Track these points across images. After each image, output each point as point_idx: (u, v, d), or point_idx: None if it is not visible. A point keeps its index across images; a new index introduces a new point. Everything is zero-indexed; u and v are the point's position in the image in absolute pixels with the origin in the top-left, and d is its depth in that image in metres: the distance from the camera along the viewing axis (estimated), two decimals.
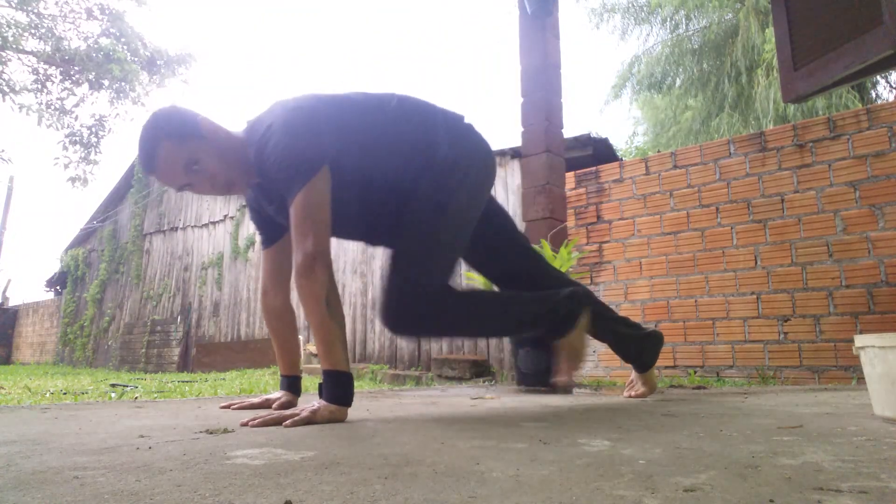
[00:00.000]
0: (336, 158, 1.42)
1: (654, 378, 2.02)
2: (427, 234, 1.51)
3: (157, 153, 1.40)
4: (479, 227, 1.66)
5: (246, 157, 1.49)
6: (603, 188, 4.20)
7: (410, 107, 1.59)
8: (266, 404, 1.64)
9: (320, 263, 1.36)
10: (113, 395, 2.89)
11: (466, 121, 1.66)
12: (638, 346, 1.93)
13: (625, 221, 4.06)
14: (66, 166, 9.11)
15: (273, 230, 1.67)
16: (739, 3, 9.14)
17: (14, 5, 8.26)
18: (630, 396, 2.02)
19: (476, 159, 1.62)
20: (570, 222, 4.23)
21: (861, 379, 2.94)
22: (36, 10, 8.65)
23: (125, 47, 8.88)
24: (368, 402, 1.97)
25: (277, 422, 1.27)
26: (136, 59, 9.05)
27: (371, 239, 1.72)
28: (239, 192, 1.57)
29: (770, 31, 7.94)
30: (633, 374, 2.04)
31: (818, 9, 2.51)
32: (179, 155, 1.41)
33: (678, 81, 10.30)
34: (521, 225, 3.69)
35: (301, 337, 6.38)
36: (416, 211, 1.51)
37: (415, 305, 1.46)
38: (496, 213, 1.79)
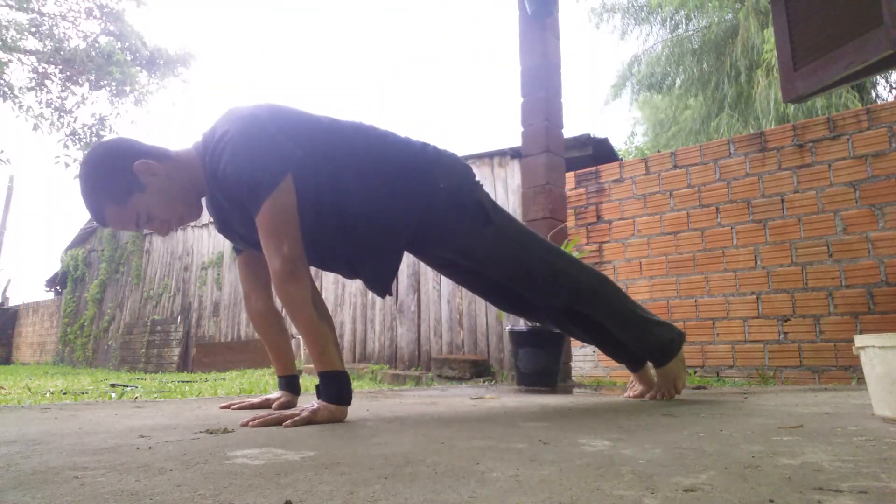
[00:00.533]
0: (298, 167, 1.36)
1: (651, 377, 2.03)
2: (517, 247, 1.65)
3: (104, 216, 1.38)
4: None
5: (199, 178, 1.44)
6: (603, 188, 4.20)
7: (378, 133, 1.55)
8: (266, 404, 1.64)
9: (301, 266, 1.33)
10: (113, 395, 2.89)
11: (432, 147, 1.62)
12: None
13: (625, 221, 4.06)
14: (68, 165, 9.10)
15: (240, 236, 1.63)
16: (739, 3, 9.13)
17: (13, 5, 8.25)
18: (630, 396, 2.02)
19: (468, 177, 1.63)
20: (570, 222, 4.23)
21: (861, 379, 2.94)
22: (36, 10, 8.65)
23: (125, 48, 8.88)
24: (368, 402, 1.97)
25: (278, 422, 1.27)
26: (135, 58, 9.05)
27: (328, 264, 1.61)
28: (197, 218, 1.52)
29: (769, 32, 7.94)
30: (632, 375, 2.06)
31: (818, 9, 2.51)
32: (126, 212, 1.38)
33: (678, 81, 10.30)
34: None
35: (300, 337, 6.39)
36: (491, 248, 1.61)
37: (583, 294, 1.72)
38: None
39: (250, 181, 1.32)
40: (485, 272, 1.73)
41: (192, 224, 9.72)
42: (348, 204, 1.45)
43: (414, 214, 1.50)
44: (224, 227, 1.61)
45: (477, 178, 1.67)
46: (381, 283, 1.53)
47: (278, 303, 1.66)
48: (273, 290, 1.38)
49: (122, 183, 1.35)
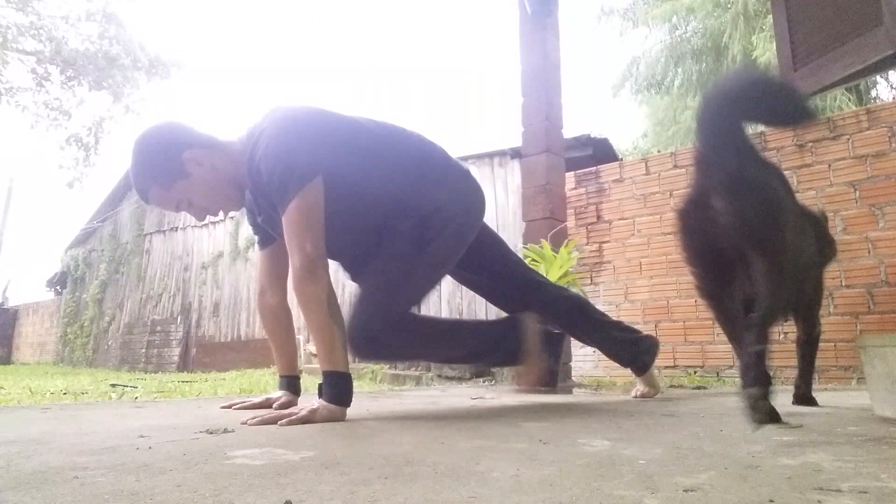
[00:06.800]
0: (329, 171, 1.41)
1: (655, 378, 2.03)
2: (403, 268, 1.52)
3: (148, 194, 1.46)
4: (473, 252, 1.68)
5: (241, 171, 1.49)
6: (603, 188, 4.20)
7: (407, 138, 1.60)
8: (267, 404, 1.64)
9: (321, 266, 1.37)
10: (113, 395, 2.89)
11: (464, 168, 1.67)
12: (631, 350, 1.96)
13: (625, 221, 4.06)
14: (61, 167, 9.12)
15: (269, 231, 1.67)
16: (733, 6, 9.12)
17: (13, 5, 8.26)
18: (635, 396, 2.02)
19: (469, 204, 1.63)
20: (570, 222, 4.22)
21: (861, 379, 2.94)
22: (36, 12, 8.65)
23: (126, 54, 8.89)
24: (368, 402, 1.96)
25: (275, 420, 1.27)
26: (135, 63, 9.07)
27: (351, 265, 1.67)
28: (237, 209, 1.59)
29: (760, 36, 7.98)
30: (635, 377, 2.06)
31: (818, 9, 2.51)
32: (169, 196, 1.46)
33: (677, 82, 10.30)
34: (521, 225, 3.70)
35: (300, 337, 6.38)
36: (398, 245, 1.52)
37: (379, 331, 1.47)
38: (487, 239, 1.80)
39: (281, 179, 1.37)
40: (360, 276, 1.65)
41: (192, 224, 9.72)
42: (373, 209, 1.51)
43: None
44: (264, 219, 1.63)
45: (476, 229, 1.67)
46: None
47: (291, 301, 1.68)
48: (292, 286, 1.40)
49: (169, 169, 1.43)
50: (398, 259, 1.52)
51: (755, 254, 1.18)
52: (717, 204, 1.20)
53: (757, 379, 1.09)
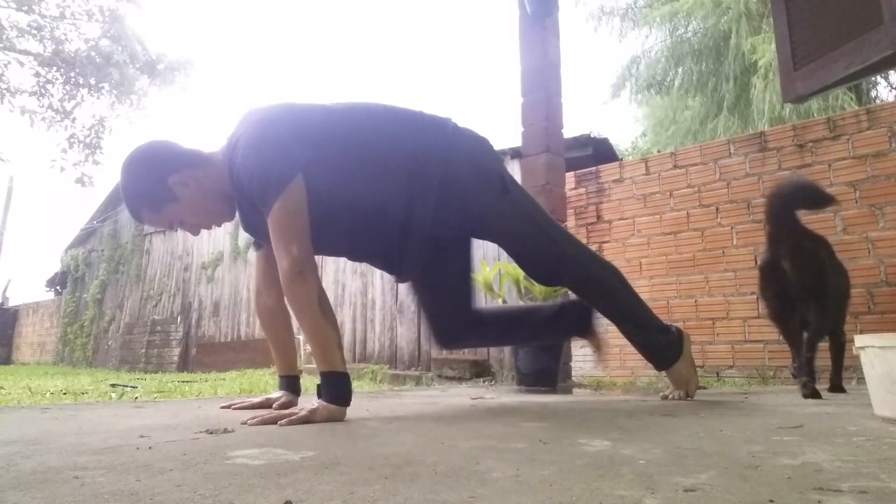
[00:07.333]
0: (308, 167, 1.40)
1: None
2: (529, 223, 1.67)
3: (140, 216, 1.50)
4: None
5: (227, 182, 1.49)
6: (603, 188, 4.20)
7: (397, 114, 1.59)
8: (267, 404, 1.64)
9: (309, 267, 1.37)
10: (113, 395, 2.89)
11: (452, 123, 1.64)
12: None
13: (625, 221, 4.06)
14: (63, 169, 9.11)
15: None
16: (734, 6, 9.12)
17: (13, 6, 8.24)
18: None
19: (487, 148, 1.68)
20: (571, 222, 4.23)
21: (861, 379, 2.94)
22: (37, 11, 8.63)
23: (125, 52, 8.86)
24: (368, 402, 1.97)
25: (275, 421, 1.27)
26: (135, 62, 9.04)
27: (358, 254, 1.70)
28: (229, 220, 1.60)
29: (760, 38, 7.98)
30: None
31: (818, 9, 2.51)
32: (161, 218, 1.50)
33: (677, 82, 10.29)
34: None
35: (300, 337, 6.37)
36: (504, 219, 1.64)
37: (596, 269, 1.76)
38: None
39: (260, 184, 1.37)
40: (498, 244, 1.78)
41: None
42: (366, 194, 1.49)
43: (432, 194, 1.52)
44: (249, 224, 1.64)
45: (496, 151, 1.73)
46: (408, 267, 1.63)
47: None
48: (282, 289, 1.41)
49: (157, 194, 1.45)
50: (529, 221, 1.67)
51: (810, 300, 1.91)
52: (786, 265, 1.91)
53: (808, 373, 1.89)
